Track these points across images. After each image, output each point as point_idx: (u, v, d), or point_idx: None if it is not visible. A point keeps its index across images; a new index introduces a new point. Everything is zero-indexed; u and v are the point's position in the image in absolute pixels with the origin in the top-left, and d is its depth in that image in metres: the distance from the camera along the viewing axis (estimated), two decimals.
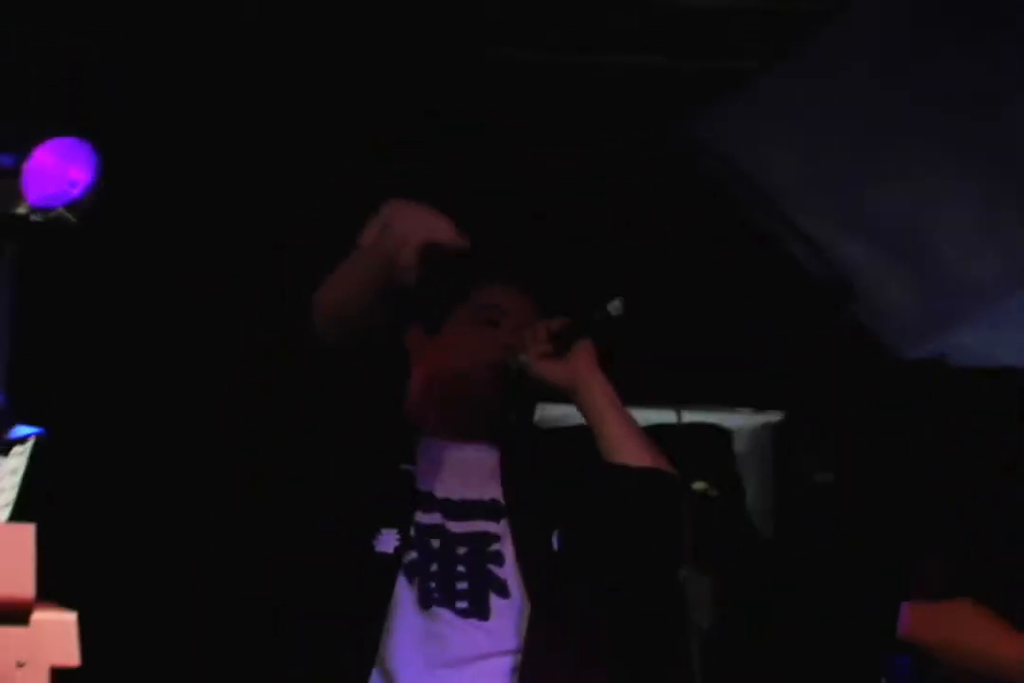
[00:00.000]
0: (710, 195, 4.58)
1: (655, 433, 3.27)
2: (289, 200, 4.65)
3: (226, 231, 4.65)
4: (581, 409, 3.10)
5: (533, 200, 4.72)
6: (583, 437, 3.14)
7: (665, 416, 4.83)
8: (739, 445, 4.97)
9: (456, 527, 3.04)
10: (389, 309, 3.01)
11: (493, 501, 3.07)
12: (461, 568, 3.00)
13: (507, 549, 3.02)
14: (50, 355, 4.57)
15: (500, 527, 3.05)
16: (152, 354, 4.61)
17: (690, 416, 4.95)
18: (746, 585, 4.97)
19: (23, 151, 4.13)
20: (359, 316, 2.98)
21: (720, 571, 5.40)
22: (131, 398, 4.54)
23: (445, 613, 2.98)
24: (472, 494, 3.09)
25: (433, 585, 2.98)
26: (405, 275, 2.88)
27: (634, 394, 4.36)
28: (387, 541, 3.00)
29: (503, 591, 2.99)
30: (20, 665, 2.15)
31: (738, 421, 5.01)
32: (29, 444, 2.27)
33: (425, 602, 2.98)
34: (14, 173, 4.17)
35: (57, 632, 2.18)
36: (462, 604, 2.98)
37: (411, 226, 2.88)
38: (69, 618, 2.20)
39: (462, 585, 2.99)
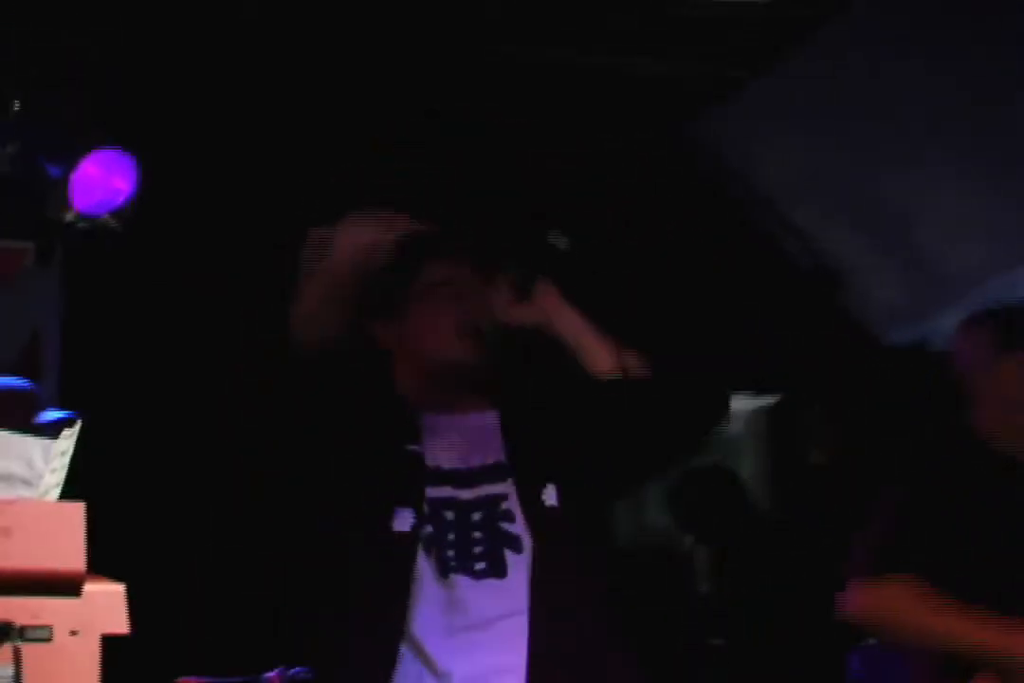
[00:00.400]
0: (708, 192, 4.57)
1: None
2: (298, 200, 4.62)
3: (239, 233, 4.64)
4: (560, 340, 3.01)
5: (535, 199, 4.67)
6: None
7: None
8: (736, 427, 4.97)
9: (467, 494, 2.99)
10: (351, 309, 3.02)
11: (496, 463, 3.01)
12: (477, 534, 2.95)
13: (515, 506, 2.96)
14: (93, 348, 4.59)
15: (507, 486, 2.98)
16: (188, 347, 4.62)
17: None
18: (744, 557, 4.98)
19: (70, 162, 4.14)
20: (329, 323, 3.02)
21: (720, 543, 5.43)
22: (169, 386, 4.56)
23: (463, 579, 2.92)
24: (477, 460, 3.02)
25: (451, 554, 2.93)
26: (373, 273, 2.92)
27: None
28: (403, 520, 2.97)
29: (516, 546, 2.94)
30: (73, 633, 2.16)
31: (735, 405, 4.99)
32: (76, 428, 2.27)
33: (443, 571, 2.93)
34: (62, 183, 4.18)
35: (107, 603, 2.18)
36: (480, 566, 2.93)
37: (344, 242, 2.95)
38: (118, 589, 2.20)
39: (478, 548, 2.94)
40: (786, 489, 4.86)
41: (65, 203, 4.19)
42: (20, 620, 2.13)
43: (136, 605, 2.29)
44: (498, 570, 2.93)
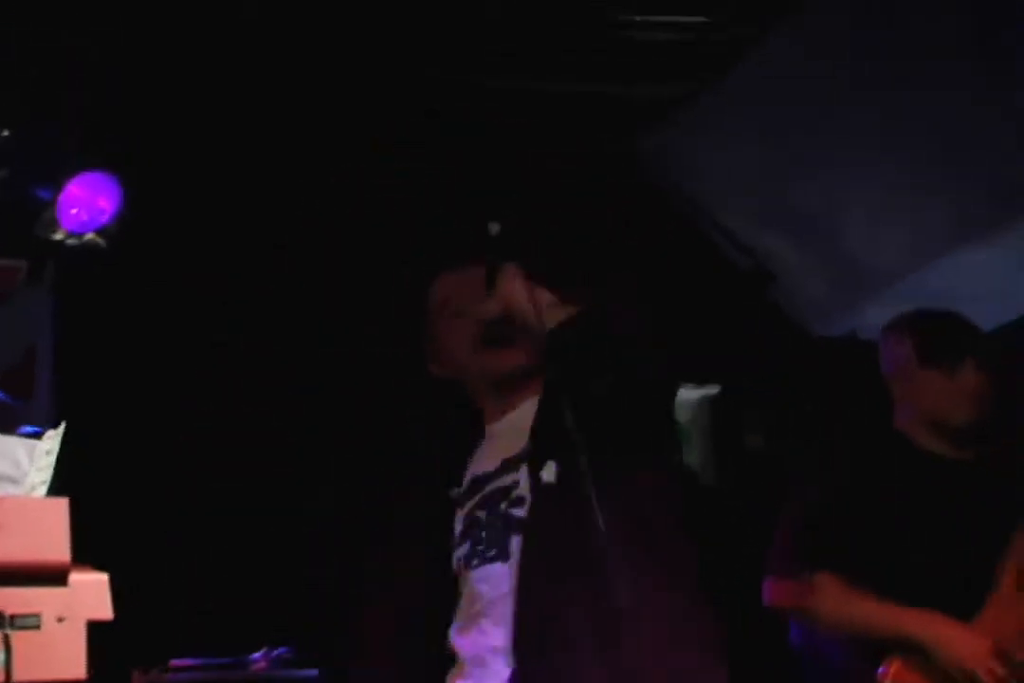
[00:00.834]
0: (651, 199, 4.58)
1: None
2: (289, 204, 4.58)
3: (225, 246, 4.61)
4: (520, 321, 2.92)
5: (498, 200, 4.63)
6: None
7: None
8: (682, 415, 4.96)
9: (491, 487, 2.91)
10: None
11: (518, 454, 2.90)
12: (491, 524, 2.88)
13: (526, 491, 2.85)
14: (85, 361, 4.56)
15: (520, 473, 2.87)
16: (176, 357, 4.60)
17: None
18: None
19: (57, 185, 4.11)
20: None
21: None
22: (155, 396, 4.53)
23: (476, 571, 2.85)
24: (507, 454, 2.93)
25: (467, 550, 2.88)
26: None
27: None
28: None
29: (521, 530, 2.82)
30: (60, 620, 2.13)
31: (683, 395, 5.00)
32: (60, 430, 2.26)
33: (464, 569, 2.88)
34: (51, 204, 4.16)
35: (92, 591, 2.16)
36: (491, 553, 2.84)
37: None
38: (102, 578, 2.18)
39: (491, 535, 2.86)
40: (726, 470, 4.87)
41: (54, 223, 4.17)
42: (10, 609, 2.10)
43: (124, 593, 2.27)
44: (504, 555, 2.84)
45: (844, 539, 3.12)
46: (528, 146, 4.58)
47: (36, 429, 2.30)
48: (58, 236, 4.18)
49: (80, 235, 4.19)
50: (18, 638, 2.09)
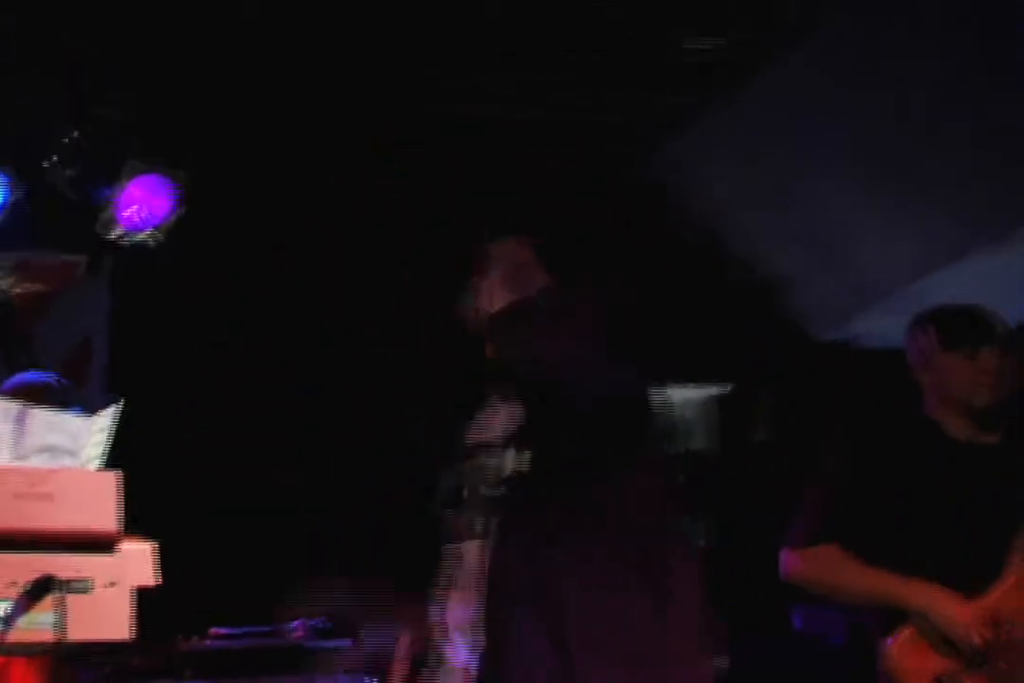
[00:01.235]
0: (667, 212, 4.55)
1: None
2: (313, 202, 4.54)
3: (266, 244, 4.61)
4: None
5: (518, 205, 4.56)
6: None
7: None
8: (692, 412, 4.93)
9: (479, 462, 2.93)
10: None
11: (500, 436, 2.92)
12: (479, 501, 2.91)
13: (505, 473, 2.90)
14: (138, 347, 4.56)
15: (504, 458, 2.90)
16: (220, 345, 4.60)
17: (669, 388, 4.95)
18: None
19: (117, 185, 4.11)
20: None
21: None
22: (200, 379, 4.54)
23: (465, 543, 2.88)
24: (496, 433, 2.94)
25: (463, 518, 2.91)
26: None
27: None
28: None
29: (495, 513, 2.87)
30: (109, 585, 2.12)
31: (691, 393, 4.97)
32: (115, 408, 2.24)
33: (462, 536, 2.90)
34: (110, 204, 4.16)
35: (139, 559, 2.16)
36: (476, 528, 2.88)
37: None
38: (149, 547, 2.18)
39: (475, 512, 2.89)
40: (733, 462, 4.85)
41: (113, 221, 4.17)
42: (63, 574, 2.09)
43: (169, 563, 2.26)
44: (484, 533, 2.87)
45: (864, 517, 3.08)
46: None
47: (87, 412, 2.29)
48: (115, 234, 4.19)
49: (136, 233, 4.20)
50: (71, 601, 2.08)
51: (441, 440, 3.06)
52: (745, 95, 4.24)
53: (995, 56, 3.70)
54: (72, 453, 2.21)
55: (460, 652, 2.82)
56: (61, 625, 2.06)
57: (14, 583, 2.06)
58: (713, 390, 5.00)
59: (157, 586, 2.21)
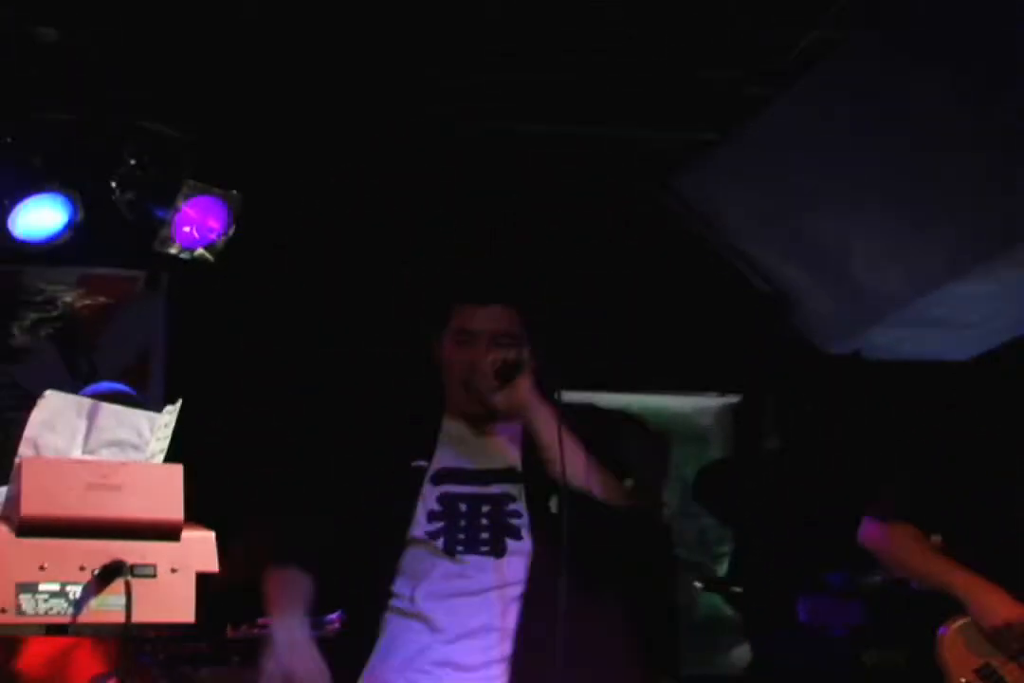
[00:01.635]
0: (684, 234, 4.53)
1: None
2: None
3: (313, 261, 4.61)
4: (534, 434, 2.81)
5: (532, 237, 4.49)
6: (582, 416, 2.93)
7: (654, 399, 4.81)
8: (706, 420, 4.92)
9: (477, 490, 2.90)
10: None
11: (511, 468, 2.92)
12: (484, 521, 2.87)
13: (522, 506, 2.88)
14: (193, 358, 4.57)
15: (517, 489, 2.89)
16: (270, 355, 4.61)
17: (672, 399, 4.93)
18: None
19: (173, 205, 4.13)
20: None
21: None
22: (249, 386, 4.54)
23: (470, 558, 2.86)
24: (497, 464, 2.93)
25: (461, 536, 2.86)
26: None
27: (632, 381, 4.30)
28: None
29: (517, 536, 2.87)
30: (174, 571, 2.12)
31: (706, 402, 4.96)
32: (178, 405, 2.24)
33: (451, 551, 2.86)
34: (167, 223, 4.17)
35: (201, 546, 2.15)
36: (484, 548, 2.86)
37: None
38: (210, 535, 2.17)
39: (484, 534, 2.87)
40: (745, 468, 4.84)
41: (170, 239, 4.18)
42: (130, 560, 2.09)
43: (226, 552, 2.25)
44: (499, 552, 2.87)
45: (948, 504, 3.07)
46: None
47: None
48: (172, 251, 4.20)
49: (191, 250, 4.21)
50: (137, 585, 2.07)
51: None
52: (755, 127, 4.23)
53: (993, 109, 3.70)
54: (136, 447, 2.21)
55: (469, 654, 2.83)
56: (128, 608, 2.06)
57: (84, 568, 2.06)
58: (725, 400, 4.99)
59: (215, 574, 2.20)
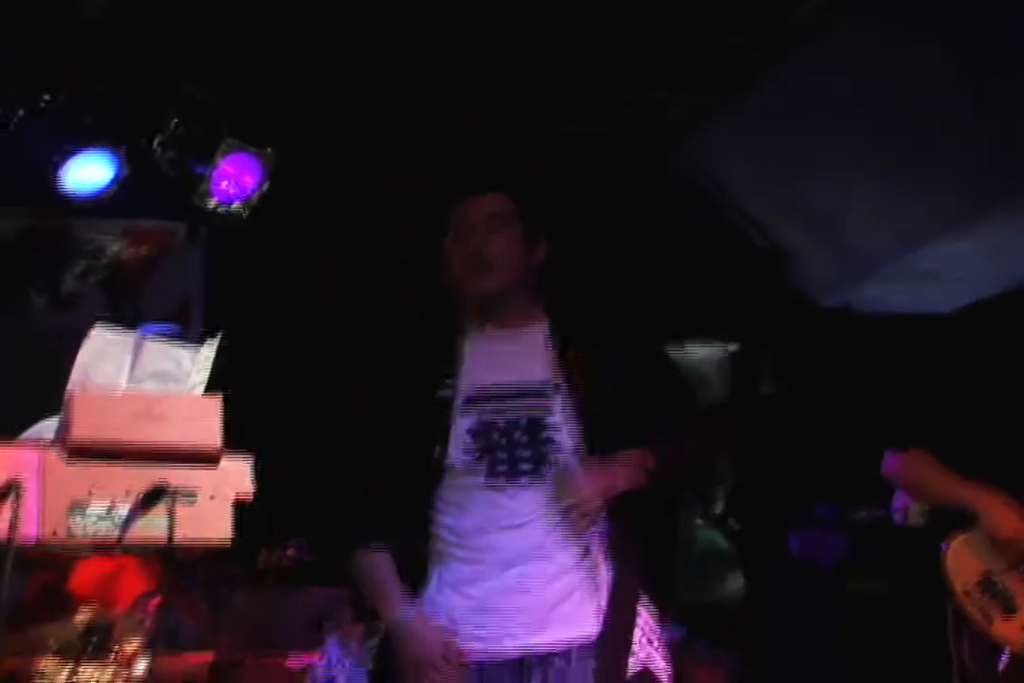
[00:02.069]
0: (691, 196, 4.49)
1: None
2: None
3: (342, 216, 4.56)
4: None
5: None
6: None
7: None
8: (708, 368, 4.90)
9: (512, 414, 2.60)
10: None
11: (543, 381, 2.62)
12: (523, 449, 2.59)
13: (559, 418, 2.59)
14: (230, 304, 4.55)
15: (551, 400, 2.60)
16: (302, 304, 4.60)
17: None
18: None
19: (211, 162, 4.09)
20: None
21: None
22: (284, 329, 4.53)
23: (509, 487, 2.58)
24: (522, 377, 2.63)
25: (502, 469, 2.58)
26: None
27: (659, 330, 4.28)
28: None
29: (559, 451, 2.59)
30: (212, 497, 2.11)
31: (710, 351, 4.94)
32: (217, 339, 2.22)
33: (493, 478, 2.59)
34: (206, 179, 4.14)
35: (238, 472, 2.13)
36: (525, 467, 2.58)
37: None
38: (247, 461, 2.15)
39: (525, 456, 2.58)
40: (743, 411, 4.83)
41: (208, 194, 4.15)
42: (174, 482, 2.07)
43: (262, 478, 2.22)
44: (540, 477, 2.61)
45: (957, 432, 3.06)
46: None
47: None
48: (211, 205, 4.17)
49: (228, 204, 4.18)
50: (179, 508, 2.06)
51: None
52: (758, 94, 4.17)
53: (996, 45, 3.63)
54: (177, 379, 2.19)
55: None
56: (171, 529, 2.05)
57: (130, 491, 2.05)
58: (725, 348, 4.97)
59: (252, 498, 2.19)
